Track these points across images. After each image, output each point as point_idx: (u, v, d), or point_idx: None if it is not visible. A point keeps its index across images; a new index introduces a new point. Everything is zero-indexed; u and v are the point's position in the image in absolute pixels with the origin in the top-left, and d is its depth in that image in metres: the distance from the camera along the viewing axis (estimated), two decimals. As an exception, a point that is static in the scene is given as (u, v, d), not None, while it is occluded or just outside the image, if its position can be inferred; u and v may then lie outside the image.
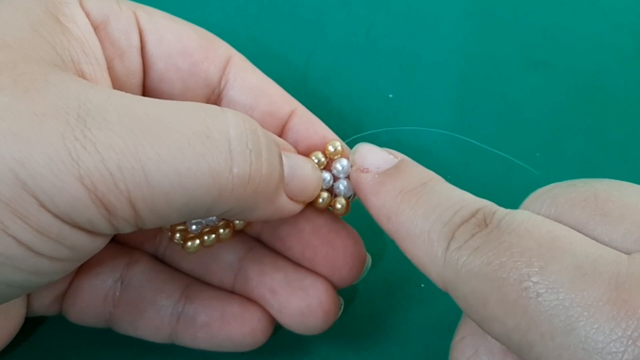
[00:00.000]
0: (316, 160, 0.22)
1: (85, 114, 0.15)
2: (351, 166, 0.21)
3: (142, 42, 0.21)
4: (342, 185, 0.22)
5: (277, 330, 0.24)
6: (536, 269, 0.15)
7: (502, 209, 0.17)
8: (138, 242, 0.24)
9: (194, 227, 0.22)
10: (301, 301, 0.22)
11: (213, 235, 0.22)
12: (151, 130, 0.16)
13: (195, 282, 0.23)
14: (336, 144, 0.22)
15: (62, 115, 0.15)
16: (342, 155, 0.22)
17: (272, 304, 0.22)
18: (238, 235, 0.23)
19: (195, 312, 0.22)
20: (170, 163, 0.16)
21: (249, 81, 0.22)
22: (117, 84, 0.21)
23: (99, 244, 0.17)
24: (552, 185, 0.18)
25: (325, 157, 0.22)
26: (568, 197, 0.17)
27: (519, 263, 0.15)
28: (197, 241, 0.22)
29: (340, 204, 0.22)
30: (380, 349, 0.25)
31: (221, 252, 0.23)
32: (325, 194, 0.22)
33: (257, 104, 0.22)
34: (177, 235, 0.22)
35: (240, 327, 0.22)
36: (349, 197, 0.22)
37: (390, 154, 0.20)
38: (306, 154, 0.22)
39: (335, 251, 0.22)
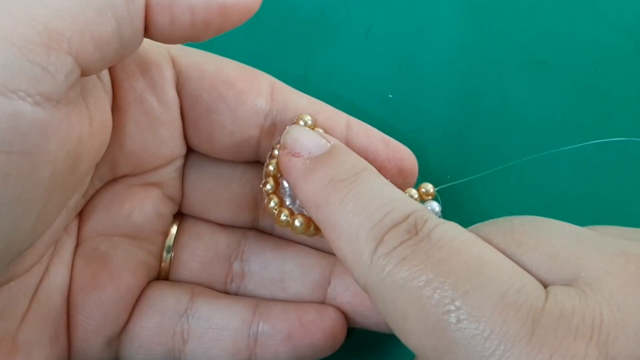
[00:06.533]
0: (409, 196, 0.22)
1: None
2: (282, 149, 0.20)
3: (182, 76, 0.22)
4: None
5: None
6: (460, 293, 0.15)
7: (434, 216, 0.17)
8: (198, 277, 0.23)
9: (287, 201, 0.22)
10: None
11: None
12: None
13: (262, 300, 0.23)
14: (428, 186, 0.22)
15: None
16: (433, 197, 0.22)
17: (372, 309, 0.22)
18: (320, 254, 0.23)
19: (273, 329, 0.22)
20: None
21: (299, 103, 0.23)
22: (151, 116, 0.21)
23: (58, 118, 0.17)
24: (476, 224, 0.18)
25: (420, 196, 0.22)
26: (487, 230, 0.17)
27: (445, 284, 0.15)
28: (302, 219, 0.21)
29: None
30: (380, 348, 0.25)
31: (306, 272, 0.23)
32: None
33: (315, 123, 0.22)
34: (283, 217, 0.22)
35: (321, 332, 0.22)
36: None
37: (323, 137, 0.20)
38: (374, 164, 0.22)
39: None
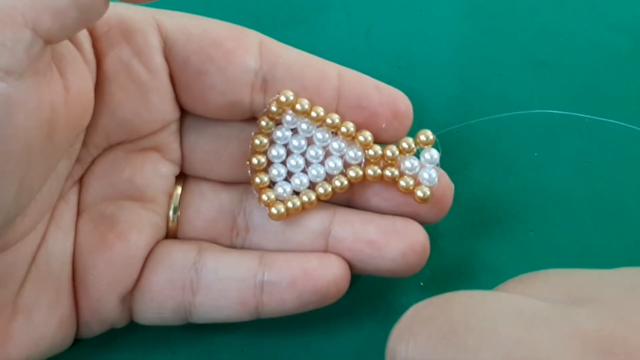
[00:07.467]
0: (406, 146, 0.23)
1: None
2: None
3: (169, 41, 0.22)
4: (426, 174, 0.22)
5: (278, 328, 0.24)
6: None
7: None
8: (205, 234, 0.24)
9: (280, 190, 0.23)
10: (401, 243, 0.22)
11: (298, 202, 0.23)
12: None
13: (266, 252, 0.23)
14: (428, 133, 0.23)
15: None
16: (433, 144, 0.23)
17: (371, 254, 0.23)
18: (319, 204, 0.24)
19: (277, 277, 0.22)
20: None
21: (288, 58, 0.23)
22: (138, 83, 0.22)
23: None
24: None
25: (416, 144, 0.23)
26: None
27: None
28: (282, 208, 0.23)
29: (422, 192, 0.22)
30: (380, 347, 0.25)
31: (306, 223, 0.23)
32: (411, 181, 0.22)
33: (305, 75, 0.23)
34: (265, 197, 0.23)
35: (324, 277, 0.22)
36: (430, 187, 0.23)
37: None
38: (372, 121, 0.23)
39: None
